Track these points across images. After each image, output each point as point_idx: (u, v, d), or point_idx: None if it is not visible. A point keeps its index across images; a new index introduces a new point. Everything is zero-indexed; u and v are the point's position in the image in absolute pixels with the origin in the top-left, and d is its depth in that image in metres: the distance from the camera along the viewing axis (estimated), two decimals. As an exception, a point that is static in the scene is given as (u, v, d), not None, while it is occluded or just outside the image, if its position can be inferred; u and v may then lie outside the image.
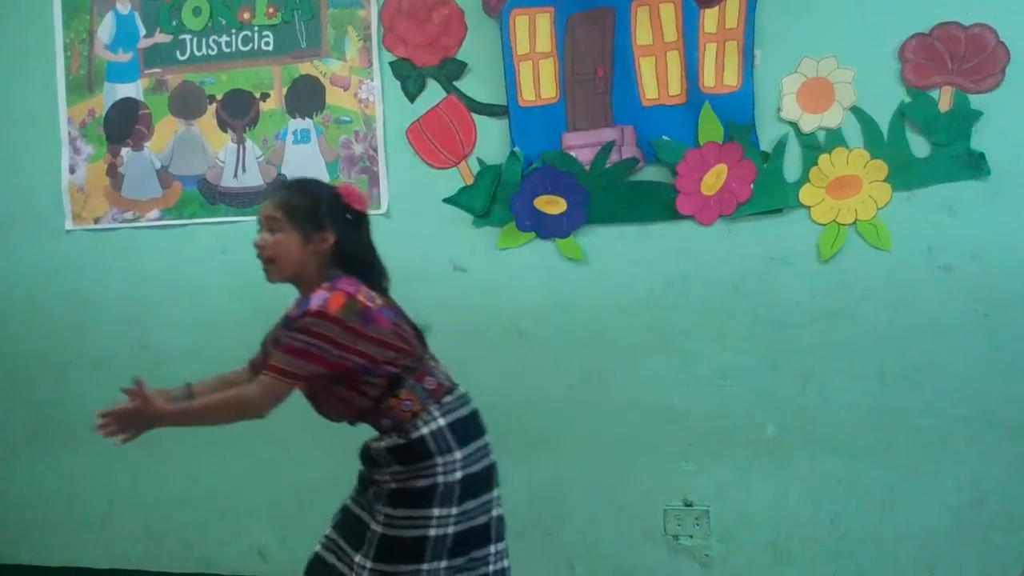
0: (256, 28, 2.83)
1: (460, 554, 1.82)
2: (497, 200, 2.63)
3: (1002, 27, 2.31)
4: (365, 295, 1.80)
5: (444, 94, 2.67)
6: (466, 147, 2.66)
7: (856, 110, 2.41)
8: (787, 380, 2.50)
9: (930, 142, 2.38)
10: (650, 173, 2.55)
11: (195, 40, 2.87)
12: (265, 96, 2.83)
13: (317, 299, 1.75)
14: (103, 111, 2.95)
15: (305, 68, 2.79)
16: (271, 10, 2.81)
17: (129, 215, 2.96)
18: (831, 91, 2.42)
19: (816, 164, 2.44)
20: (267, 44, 2.82)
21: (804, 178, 2.45)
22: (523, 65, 2.59)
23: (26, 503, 3.11)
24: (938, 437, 2.42)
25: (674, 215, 2.53)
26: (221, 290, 2.86)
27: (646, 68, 2.52)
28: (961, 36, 2.33)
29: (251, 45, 2.84)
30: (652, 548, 2.62)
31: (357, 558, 1.82)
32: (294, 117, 2.80)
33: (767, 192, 2.47)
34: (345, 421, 1.91)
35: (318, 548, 1.96)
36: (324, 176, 2.71)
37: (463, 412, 1.89)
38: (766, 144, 2.47)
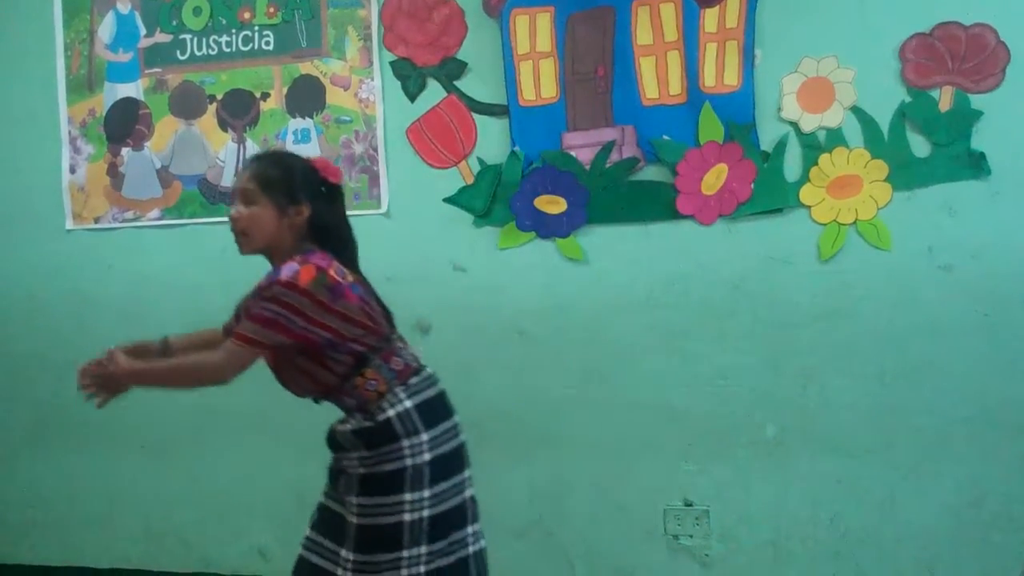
0: (256, 28, 2.83)
1: (439, 538, 1.81)
2: (497, 200, 2.63)
3: (1002, 27, 2.31)
4: (336, 270, 1.78)
5: (444, 94, 2.67)
6: (466, 147, 2.66)
7: (856, 110, 2.41)
8: (787, 380, 2.50)
9: (930, 142, 2.38)
10: (650, 173, 2.55)
11: (195, 40, 2.88)
12: (265, 96, 2.83)
13: (288, 270, 1.73)
14: (103, 111, 2.95)
15: (305, 68, 2.79)
16: (271, 10, 2.81)
17: (129, 215, 2.96)
18: (831, 91, 2.42)
19: (816, 164, 2.44)
20: (267, 44, 2.82)
21: (804, 178, 2.45)
22: (523, 65, 2.59)
23: (26, 503, 3.11)
24: (938, 437, 2.42)
25: (674, 215, 2.53)
26: (221, 290, 2.84)
27: (646, 68, 2.52)
28: (961, 36, 2.33)
29: (251, 45, 2.84)
30: (652, 548, 2.62)
31: (342, 552, 1.81)
32: (294, 117, 2.81)
33: (767, 192, 2.47)
34: (309, 397, 1.89)
35: (301, 551, 1.93)
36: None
37: (430, 393, 1.87)
38: (766, 144, 2.47)
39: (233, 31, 2.85)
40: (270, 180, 1.83)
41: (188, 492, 2.96)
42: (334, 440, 1.88)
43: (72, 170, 2.99)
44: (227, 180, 2.85)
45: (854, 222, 2.43)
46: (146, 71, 2.92)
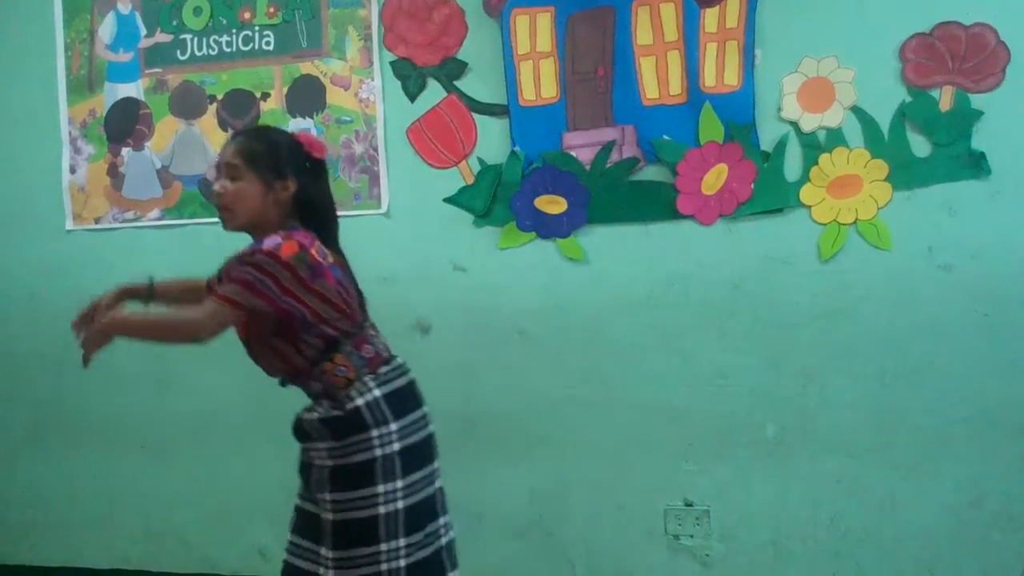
0: (257, 28, 2.83)
1: (416, 529, 1.80)
2: (497, 200, 2.63)
3: (1003, 27, 2.31)
4: (318, 250, 1.78)
5: (444, 94, 2.67)
6: (466, 147, 2.66)
7: (856, 110, 2.41)
8: (787, 380, 2.50)
9: (930, 142, 2.38)
10: (650, 173, 2.55)
11: (196, 40, 2.88)
12: (266, 96, 2.83)
13: (270, 242, 1.73)
14: (104, 111, 2.95)
15: (306, 68, 2.79)
16: (272, 10, 2.81)
17: (130, 215, 2.96)
18: (831, 91, 2.42)
19: (816, 164, 2.44)
20: (268, 44, 2.82)
21: (804, 178, 2.45)
22: (523, 65, 2.59)
23: (26, 503, 3.11)
24: (938, 437, 2.42)
25: (674, 215, 2.53)
26: (221, 290, 2.85)
27: (647, 68, 2.52)
28: (962, 36, 2.34)
29: (252, 45, 2.84)
30: (652, 548, 2.62)
31: (322, 551, 1.81)
32: (295, 117, 2.81)
33: (767, 192, 2.47)
34: (278, 378, 1.88)
35: (285, 556, 1.93)
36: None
37: (400, 383, 1.86)
38: (766, 144, 2.47)
39: (233, 31, 2.85)
40: (255, 154, 1.81)
41: (188, 492, 2.96)
42: (301, 429, 1.86)
43: (72, 170, 3.00)
44: (227, 180, 2.85)
45: (854, 222, 2.43)
46: (146, 71, 2.92)
